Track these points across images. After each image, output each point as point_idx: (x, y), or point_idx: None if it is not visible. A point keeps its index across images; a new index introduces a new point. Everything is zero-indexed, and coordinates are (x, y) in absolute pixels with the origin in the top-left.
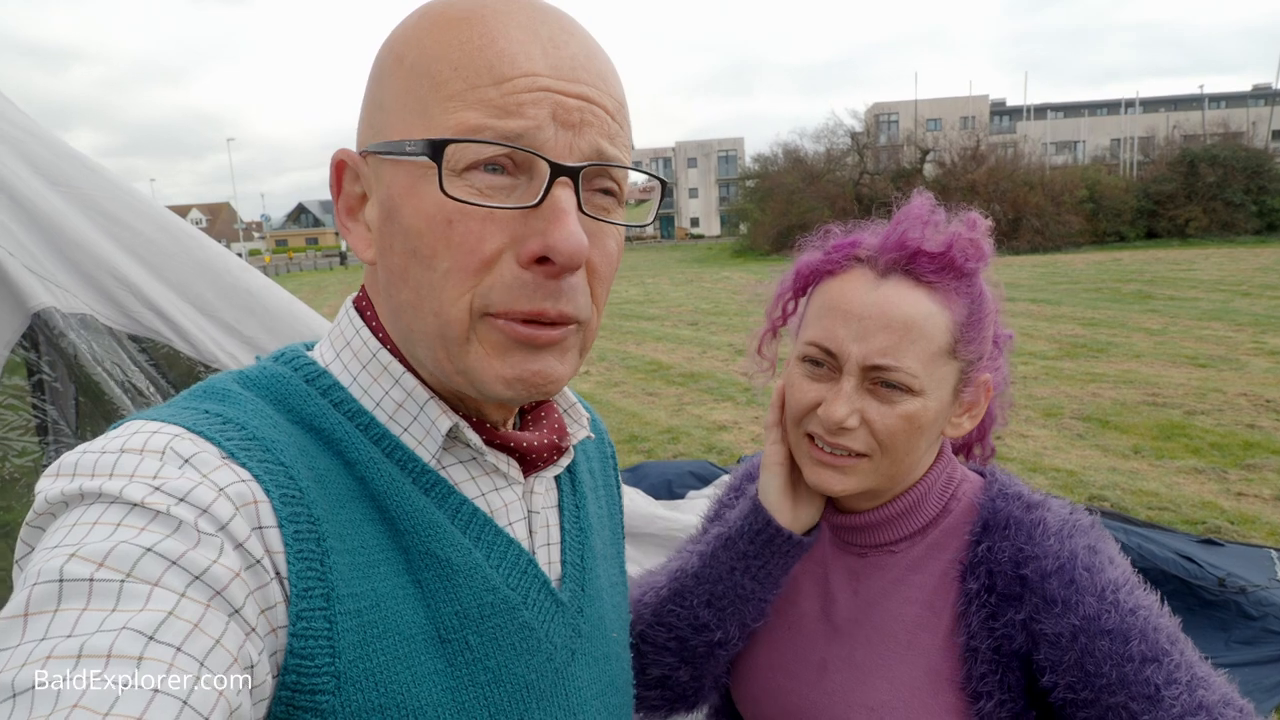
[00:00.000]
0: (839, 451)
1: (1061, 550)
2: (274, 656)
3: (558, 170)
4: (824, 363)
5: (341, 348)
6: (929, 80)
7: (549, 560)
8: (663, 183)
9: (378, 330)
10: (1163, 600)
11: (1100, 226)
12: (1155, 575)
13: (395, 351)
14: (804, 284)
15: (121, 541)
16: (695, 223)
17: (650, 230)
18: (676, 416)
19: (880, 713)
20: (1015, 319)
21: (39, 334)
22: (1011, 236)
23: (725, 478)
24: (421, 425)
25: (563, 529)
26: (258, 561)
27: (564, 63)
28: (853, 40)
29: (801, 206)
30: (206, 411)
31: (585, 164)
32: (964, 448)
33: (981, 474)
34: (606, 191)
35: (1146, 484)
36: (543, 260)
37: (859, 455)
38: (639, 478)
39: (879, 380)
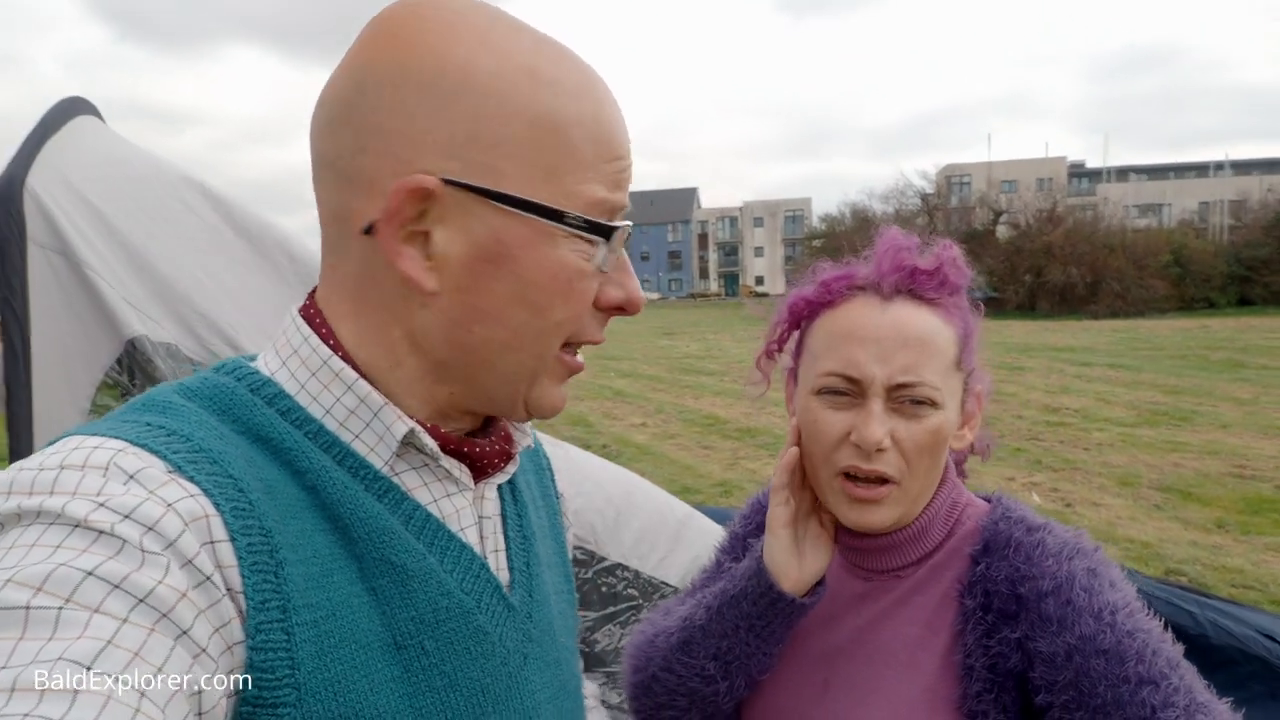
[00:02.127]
0: (874, 480)
1: (1059, 570)
2: (231, 674)
3: (626, 233)
4: (847, 391)
5: (288, 356)
6: (1003, 143)
7: (498, 566)
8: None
9: (328, 338)
10: (1240, 684)
11: (1187, 292)
12: (1234, 654)
13: (347, 359)
14: (798, 317)
15: (61, 564)
16: (760, 280)
17: (714, 288)
18: (731, 470)
19: None
20: (1090, 384)
21: (131, 359)
22: (1090, 300)
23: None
24: (374, 432)
25: (507, 536)
26: (207, 578)
27: (629, 139)
28: (924, 104)
29: None
30: (149, 424)
31: (625, 224)
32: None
33: (989, 500)
34: None
35: (1230, 560)
36: (617, 308)
37: (889, 482)
38: None
39: (905, 398)
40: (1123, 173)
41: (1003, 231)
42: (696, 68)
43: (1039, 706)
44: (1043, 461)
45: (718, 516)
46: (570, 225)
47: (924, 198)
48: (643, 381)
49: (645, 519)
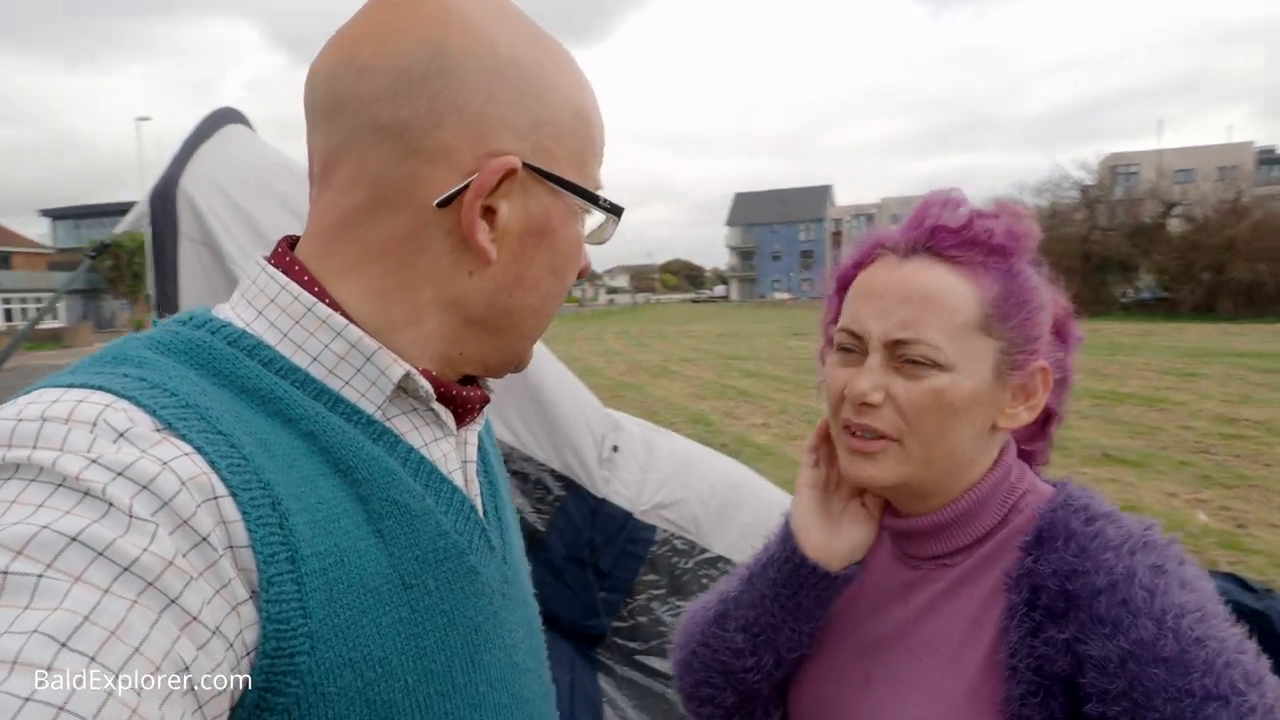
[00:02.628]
0: (868, 435)
1: (1117, 565)
2: (240, 634)
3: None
4: (853, 347)
5: (265, 305)
6: (1177, 130)
7: (479, 509)
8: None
9: (309, 286)
10: None
11: None
12: None
13: (335, 306)
14: (842, 285)
15: (44, 526)
16: None
17: None
18: None
19: None
20: (1278, 393)
21: None
22: None
23: None
24: (366, 377)
25: (480, 480)
26: (204, 539)
27: None
28: (1083, 91)
29: None
30: (126, 375)
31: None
32: (1030, 456)
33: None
34: None
35: None
36: (584, 271)
37: (888, 439)
38: None
39: (903, 356)
40: None
41: (1176, 225)
42: (831, 64)
43: (1089, 717)
44: (1213, 477)
45: None
46: (600, 207)
47: (1083, 190)
48: (767, 382)
49: (752, 514)
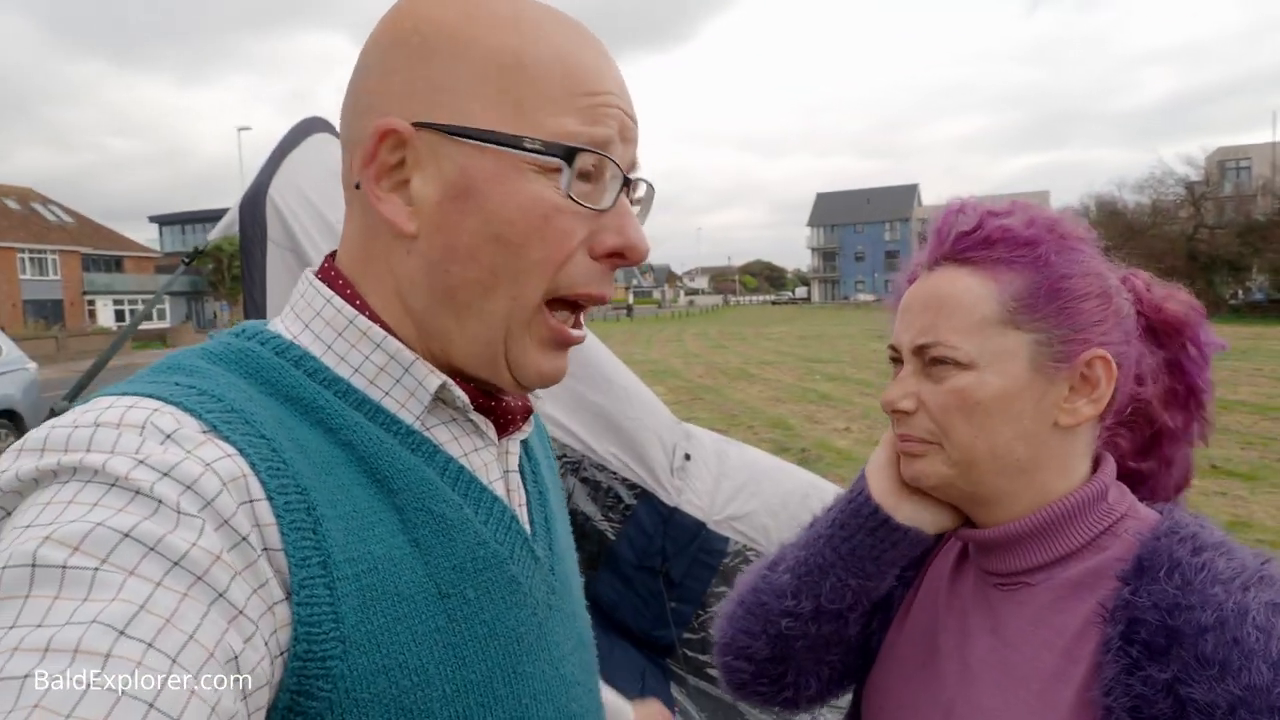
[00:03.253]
0: (910, 440)
1: (1227, 601)
2: (275, 634)
3: (625, 179)
4: (896, 360)
5: (311, 318)
6: None
7: (522, 519)
8: (651, 188)
9: (352, 299)
10: None
11: None
12: None
13: (374, 317)
14: (897, 304)
15: (98, 524)
16: None
17: None
18: None
19: None
20: None
21: None
22: None
23: None
24: (405, 387)
25: (526, 490)
26: (244, 538)
27: (622, 85)
28: (1188, 83)
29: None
30: (178, 384)
31: (638, 175)
32: (1140, 477)
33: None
34: (633, 200)
35: None
36: (614, 254)
37: (927, 443)
38: None
39: (928, 359)
40: None
41: None
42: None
43: None
44: None
45: None
46: (529, 150)
47: (1189, 186)
48: (850, 385)
49: None
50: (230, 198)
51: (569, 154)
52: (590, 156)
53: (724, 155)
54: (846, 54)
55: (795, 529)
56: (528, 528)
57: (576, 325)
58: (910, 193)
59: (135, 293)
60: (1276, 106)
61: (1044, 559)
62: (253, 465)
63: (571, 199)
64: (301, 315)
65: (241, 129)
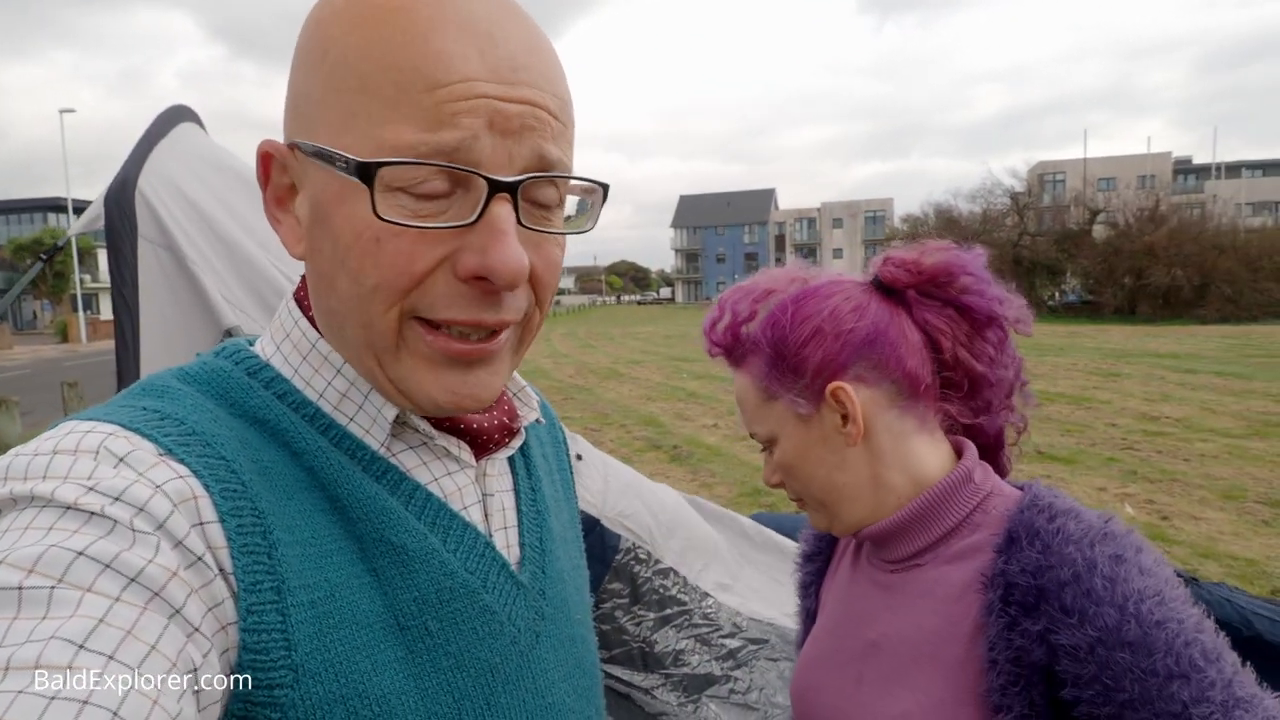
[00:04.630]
0: (797, 502)
1: (1079, 558)
2: (225, 655)
3: (495, 186)
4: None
5: (281, 340)
6: (1101, 140)
7: (507, 543)
8: (604, 187)
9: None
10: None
11: None
12: None
13: None
14: None
15: (52, 545)
16: None
17: None
18: None
19: None
20: (1195, 392)
21: None
22: (1197, 304)
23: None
24: (368, 414)
25: (519, 511)
26: (199, 559)
27: (503, 63)
28: (1015, 100)
29: None
30: (144, 408)
31: (524, 177)
32: (981, 434)
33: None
34: (542, 204)
35: None
36: (478, 277)
37: (802, 501)
38: None
39: (760, 445)
40: (1234, 169)
41: (1100, 231)
42: (776, 70)
43: (1066, 700)
44: (1138, 472)
45: (787, 523)
46: (340, 170)
47: (1014, 196)
48: (715, 383)
49: (688, 537)
50: (52, 186)
51: (364, 172)
52: (417, 170)
53: (591, 155)
54: (711, 60)
55: (671, 533)
56: (513, 552)
57: (493, 336)
58: (768, 197)
59: None
60: (1088, 125)
61: (927, 540)
62: (206, 486)
63: (390, 221)
64: (275, 336)
65: (64, 111)
